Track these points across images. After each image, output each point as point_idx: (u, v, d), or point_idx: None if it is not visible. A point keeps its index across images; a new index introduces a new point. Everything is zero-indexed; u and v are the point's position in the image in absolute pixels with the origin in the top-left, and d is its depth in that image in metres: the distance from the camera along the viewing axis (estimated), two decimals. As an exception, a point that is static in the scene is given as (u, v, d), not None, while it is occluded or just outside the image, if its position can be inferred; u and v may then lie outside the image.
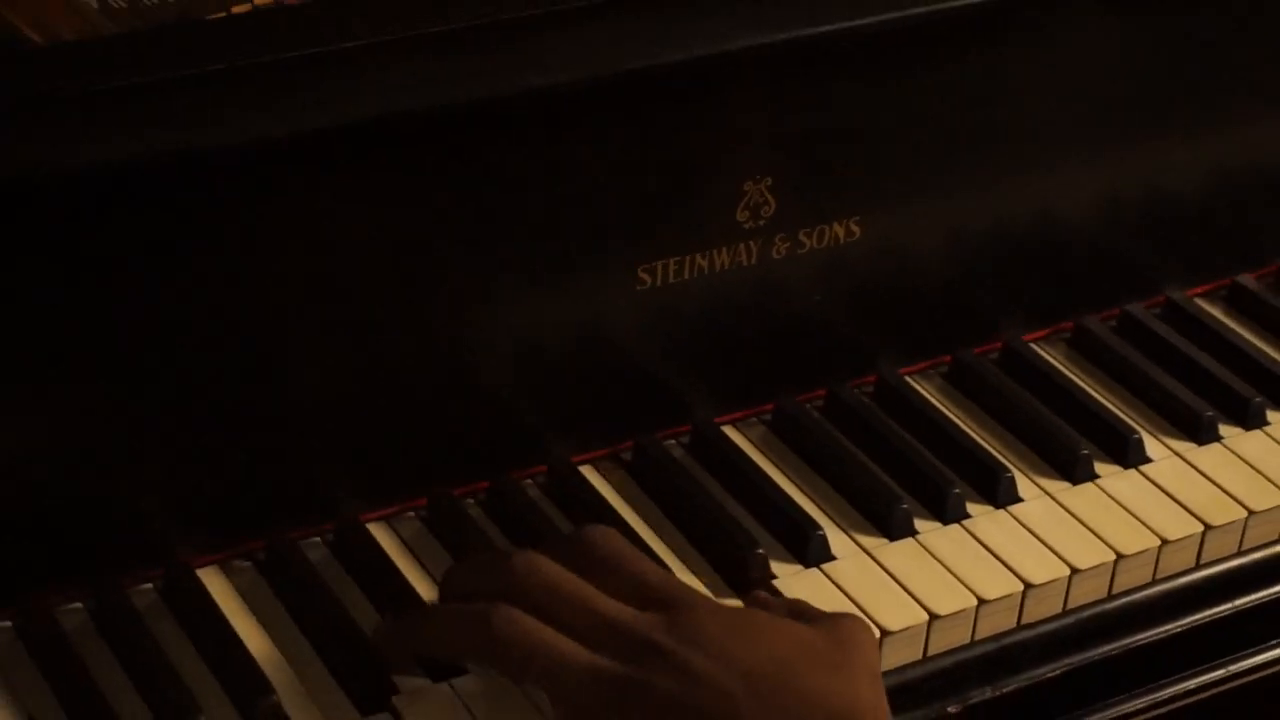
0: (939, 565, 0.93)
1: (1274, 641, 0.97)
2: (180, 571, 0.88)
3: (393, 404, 0.90)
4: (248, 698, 0.82)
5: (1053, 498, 0.98)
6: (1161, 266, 1.11)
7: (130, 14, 0.92)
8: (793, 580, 0.91)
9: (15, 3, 0.91)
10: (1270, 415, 1.04)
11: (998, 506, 0.97)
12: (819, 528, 0.93)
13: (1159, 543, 0.95)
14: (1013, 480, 0.98)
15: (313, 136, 0.83)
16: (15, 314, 0.80)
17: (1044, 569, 0.93)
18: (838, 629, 0.81)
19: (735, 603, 0.88)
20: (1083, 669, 0.93)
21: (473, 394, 0.92)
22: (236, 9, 0.93)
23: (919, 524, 0.95)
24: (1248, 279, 1.14)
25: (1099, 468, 1.00)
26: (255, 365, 0.86)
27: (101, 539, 0.86)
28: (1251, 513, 0.97)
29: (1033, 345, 1.08)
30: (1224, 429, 1.03)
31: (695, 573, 0.91)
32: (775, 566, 0.92)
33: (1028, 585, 0.92)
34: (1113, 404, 1.04)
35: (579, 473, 0.96)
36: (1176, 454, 1.01)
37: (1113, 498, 0.98)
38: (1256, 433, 1.03)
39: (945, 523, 0.95)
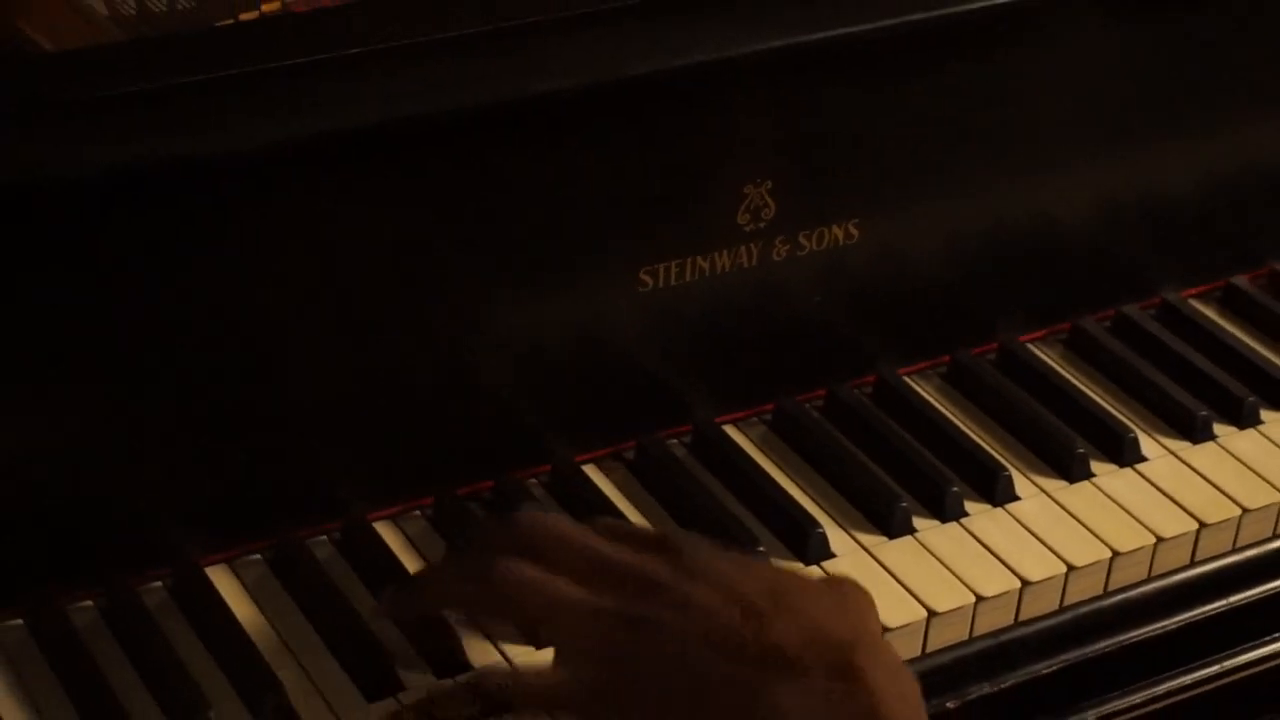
0: (937, 563, 0.93)
1: (1268, 637, 0.98)
2: (190, 570, 0.88)
3: (399, 405, 0.90)
4: (256, 693, 0.83)
5: (1050, 496, 0.98)
6: (1157, 268, 1.11)
7: (139, 21, 0.93)
8: (793, 578, 0.92)
9: (26, 10, 0.91)
10: (1264, 415, 1.04)
11: (995, 505, 0.97)
12: (819, 526, 0.93)
13: (1154, 540, 0.95)
14: (1010, 479, 0.98)
15: (319, 141, 0.83)
16: (28, 316, 0.81)
17: (1041, 566, 0.93)
18: (837, 576, 0.81)
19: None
20: (1079, 665, 0.93)
21: (477, 395, 0.92)
22: (244, 16, 0.93)
23: (918, 522, 0.95)
24: (1242, 280, 1.14)
25: (1095, 466, 1.00)
26: (263, 368, 0.87)
27: (112, 538, 0.87)
28: (1245, 511, 0.97)
29: (1030, 346, 1.08)
30: (1218, 428, 1.03)
31: (697, 570, 0.92)
32: (775, 564, 0.91)
33: (1025, 582, 0.92)
34: (1109, 404, 1.04)
35: (582, 472, 0.96)
36: (1172, 453, 1.01)
37: (1109, 496, 0.98)
38: (1250, 432, 1.03)
39: (944, 521, 0.95)
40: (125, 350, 0.83)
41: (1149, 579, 0.96)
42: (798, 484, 0.97)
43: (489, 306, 0.90)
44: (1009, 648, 0.92)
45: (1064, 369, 1.07)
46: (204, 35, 0.92)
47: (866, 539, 0.94)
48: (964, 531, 0.95)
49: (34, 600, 0.86)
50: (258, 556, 0.90)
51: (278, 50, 0.84)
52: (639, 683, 0.75)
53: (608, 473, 0.97)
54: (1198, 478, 1.00)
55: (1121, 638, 0.94)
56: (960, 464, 0.99)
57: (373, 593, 0.89)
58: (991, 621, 0.92)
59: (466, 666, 0.85)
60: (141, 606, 0.87)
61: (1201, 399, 1.04)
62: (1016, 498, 0.98)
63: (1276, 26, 1.08)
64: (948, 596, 0.91)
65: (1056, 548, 0.94)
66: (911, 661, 0.90)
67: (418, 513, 0.94)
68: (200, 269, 0.84)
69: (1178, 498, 0.98)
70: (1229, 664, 0.96)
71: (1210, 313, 1.12)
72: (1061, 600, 0.93)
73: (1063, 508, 0.97)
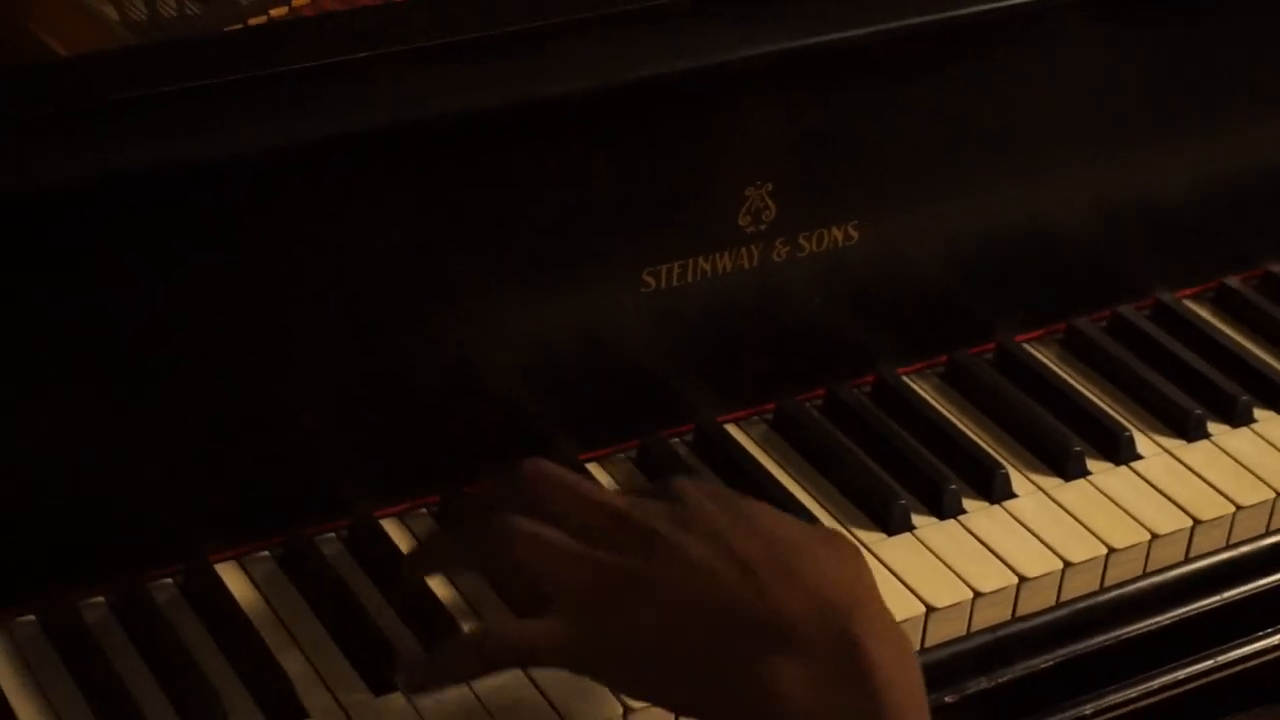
0: (936, 559, 0.93)
1: (1261, 632, 0.98)
2: (200, 567, 0.88)
3: (405, 405, 0.91)
4: (264, 687, 0.83)
5: (1046, 494, 0.98)
6: (1151, 269, 1.11)
7: (150, 26, 0.93)
8: (794, 574, 0.92)
9: (39, 15, 0.92)
10: (1257, 413, 1.04)
11: (993, 502, 0.97)
12: (818, 523, 0.93)
13: (1149, 537, 0.95)
14: (1007, 477, 0.98)
15: (328, 144, 0.83)
16: (47, 317, 0.81)
17: (1038, 563, 0.93)
18: (832, 530, 0.81)
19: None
20: (1076, 660, 0.93)
21: (482, 394, 0.92)
22: (253, 21, 0.94)
23: (916, 519, 0.95)
24: (1235, 281, 1.14)
25: (1091, 464, 1.00)
26: (274, 369, 0.87)
27: (124, 536, 0.87)
28: (1239, 508, 0.98)
29: (1026, 346, 1.08)
30: (1212, 426, 1.03)
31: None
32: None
33: (1022, 579, 0.92)
34: (1104, 402, 1.04)
35: (586, 470, 0.96)
36: (1166, 451, 1.02)
37: (1104, 493, 0.98)
38: (1244, 430, 1.03)
39: (942, 518, 0.96)
40: (140, 351, 0.84)
41: (1144, 575, 0.96)
42: (798, 482, 0.97)
43: (494, 307, 0.91)
44: (1006, 643, 0.92)
45: (1060, 368, 1.07)
46: (214, 40, 0.92)
47: (866, 536, 0.94)
48: (962, 529, 0.95)
49: (46, 597, 0.86)
50: (266, 553, 0.90)
51: (287, 55, 0.84)
52: (634, 637, 0.75)
53: (611, 471, 0.97)
54: (1192, 475, 1.00)
55: (1117, 633, 0.94)
56: (958, 462, 0.99)
57: (380, 589, 0.89)
58: (989, 617, 0.92)
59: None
60: (152, 603, 0.87)
61: (1196, 398, 1.04)
62: (1013, 495, 0.98)
63: (1271, 30, 1.08)
64: (946, 592, 0.91)
65: (1053, 544, 0.94)
66: None
67: (424, 510, 0.94)
68: (210, 271, 0.84)
69: (1172, 495, 0.98)
70: (1223, 658, 0.96)
71: (1204, 313, 1.12)
72: (1058, 596, 0.94)
73: (1059, 505, 0.97)
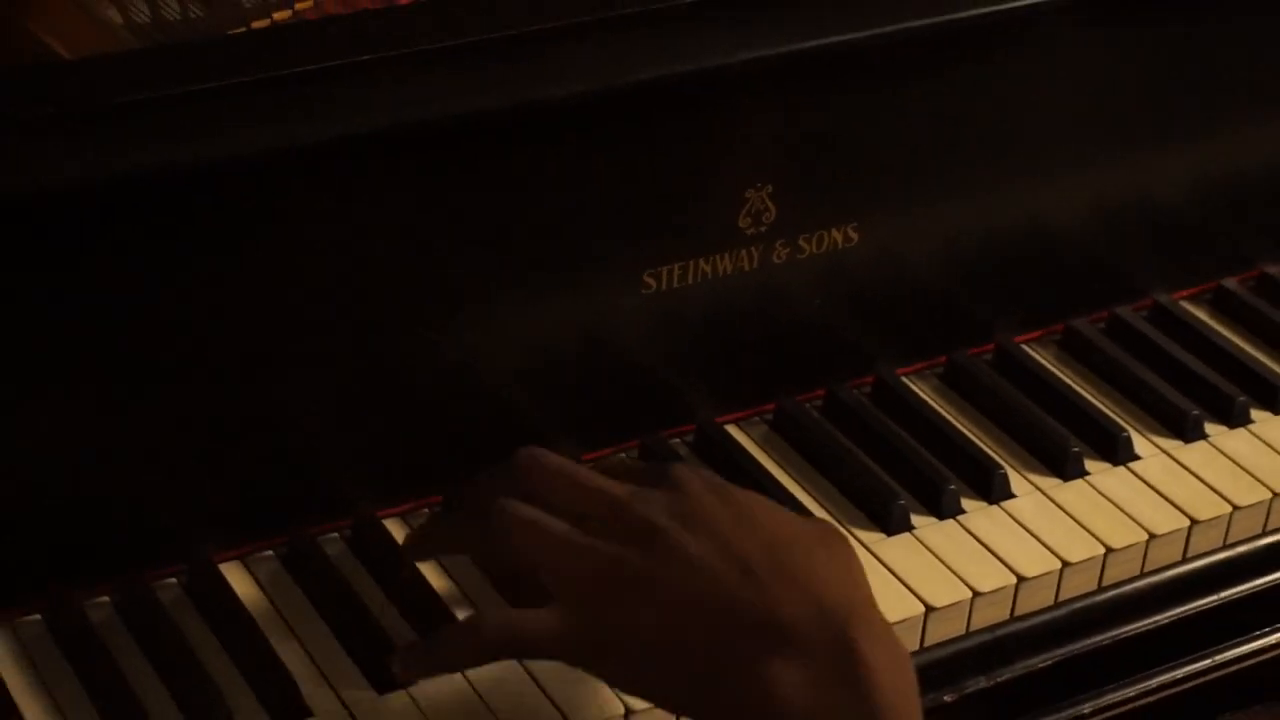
0: (935, 559, 0.93)
1: (1257, 631, 0.98)
2: (204, 566, 0.89)
3: (408, 406, 0.91)
4: (268, 685, 0.83)
5: (1044, 494, 0.98)
6: (1149, 271, 1.12)
7: (153, 29, 0.93)
8: (794, 574, 0.92)
9: (42, 18, 0.92)
10: (1254, 414, 1.04)
11: (991, 502, 0.97)
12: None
13: (1147, 537, 0.96)
14: (1006, 477, 0.98)
15: (330, 147, 0.84)
16: (48, 319, 0.81)
17: (1036, 563, 0.93)
18: (826, 524, 0.80)
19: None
20: (1074, 659, 0.93)
21: (485, 395, 0.93)
22: (256, 24, 0.94)
23: (915, 519, 0.95)
24: (1232, 283, 1.14)
25: (1089, 465, 1.00)
26: (278, 371, 0.87)
27: (128, 536, 0.87)
28: (1236, 508, 0.98)
29: (1025, 347, 1.08)
30: (1209, 427, 1.03)
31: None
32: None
33: (1020, 578, 0.92)
34: (1102, 403, 1.05)
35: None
36: (1164, 451, 1.02)
37: (1102, 494, 0.98)
38: (1241, 431, 1.04)
39: (941, 518, 0.96)
40: (146, 352, 0.84)
41: (1142, 575, 0.96)
42: (798, 482, 0.98)
43: (497, 308, 0.91)
44: (1005, 642, 0.92)
45: (1058, 369, 1.07)
46: (218, 42, 0.92)
47: (865, 536, 0.94)
48: (961, 529, 0.95)
49: (52, 597, 0.86)
50: (270, 553, 0.91)
51: (290, 57, 0.85)
52: (632, 634, 0.75)
53: None
54: (1189, 476, 1.00)
55: (1115, 632, 0.94)
56: (957, 462, 0.99)
57: (382, 588, 0.89)
58: (988, 616, 0.92)
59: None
60: (157, 602, 0.87)
61: (1193, 399, 1.04)
62: (1012, 495, 0.98)
63: (1267, 32, 1.08)
64: (945, 592, 0.91)
65: (1051, 544, 0.95)
66: (910, 655, 0.89)
67: (426, 510, 0.94)
68: (214, 272, 0.84)
69: (1170, 495, 0.98)
70: (1220, 658, 0.97)
71: (1201, 314, 1.13)
72: (1056, 595, 0.94)
73: (1057, 505, 0.97)
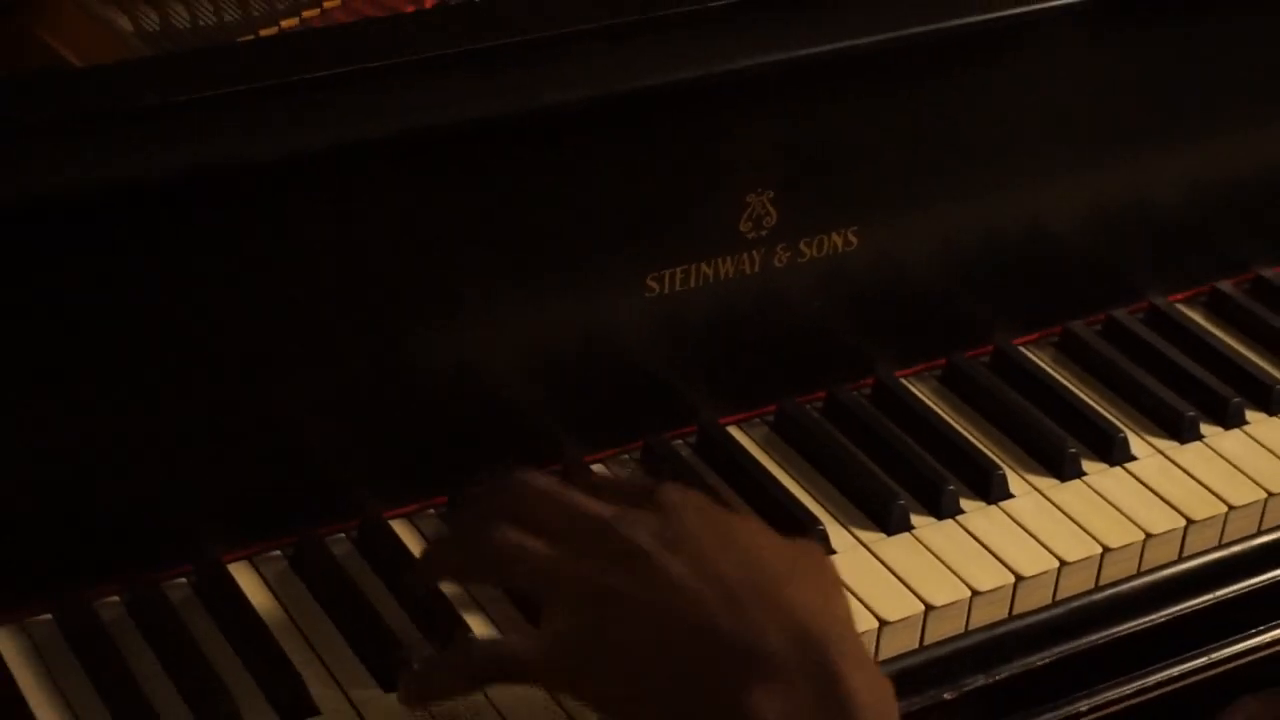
0: (934, 559, 0.93)
1: (1253, 630, 0.98)
2: (212, 566, 0.89)
3: (414, 408, 0.91)
4: (276, 683, 0.83)
5: (1042, 494, 0.98)
6: (1145, 274, 1.12)
7: (163, 37, 0.94)
8: (795, 573, 0.93)
9: (54, 26, 0.92)
10: (1249, 415, 1.05)
11: (990, 503, 0.97)
12: (819, 523, 0.94)
13: (1143, 537, 0.96)
14: (1004, 477, 0.98)
15: (338, 152, 0.84)
16: (62, 320, 0.82)
17: (1034, 562, 0.93)
18: (807, 544, 0.79)
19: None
20: (1072, 657, 0.93)
21: (490, 397, 0.93)
22: (264, 31, 0.95)
23: (915, 519, 0.96)
24: (1227, 285, 1.14)
25: (1086, 465, 1.00)
26: (286, 372, 0.87)
27: (138, 536, 0.87)
28: (1231, 508, 0.98)
29: (1023, 349, 1.08)
30: (1205, 428, 1.03)
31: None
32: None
33: (1019, 577, 0.93)
34: (1099, 404, 1.05)
35: (591, 471, 0.96)
36: (1160, 452, 1.02)
37: (1099, 494, 0.99)
38: (1235, 432, 1.04)
39: (940, 518, 0.96)
40: (157, 354, 0.84)
41: (1138, 574, 0.96)
42: (799, 483, 0.98)
43: (502, 311, 0.91)
44: (1003, 640, 0.93)
45: (1056, 371, 1.08)
46: (227, 49, 0.93)
47: (866, 536, 0.95)
48: (960, 528, 0.96)
49: (63, 596, 0.86)
50: (278, 553, 0.91)
51: (298, 64, 0.85)
52: (612, 659, 0.74)
53: (616, 472, 0.97)
54: (1185, 476, 1.00)
55: (1112, 631, 0.94)
56: (956, 463, 0.99)
57: (388, 587, 0.89)
58: (986, 615, 0.92)
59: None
60: (166, 602, 0.87)
61: (1188, 400, 1.05)
62: (1010, 496, 0.98)
63: (1262, 36, 1.08)
64: (944, 591, 0.91)
65: (1049, 544, 0.95)
66: (909, 654, 0.91)
67: (432, 511, 0.94)
68: (224, 275, 0.85)
69: (1166, 495, 0.99)
70: (1215, 656, 0.97)
71: (1197, 316, 1.13)
72: (1054, 595, 0.94)
73: (1055, 505, 0.98)
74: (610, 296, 0.94)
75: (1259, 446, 1.03)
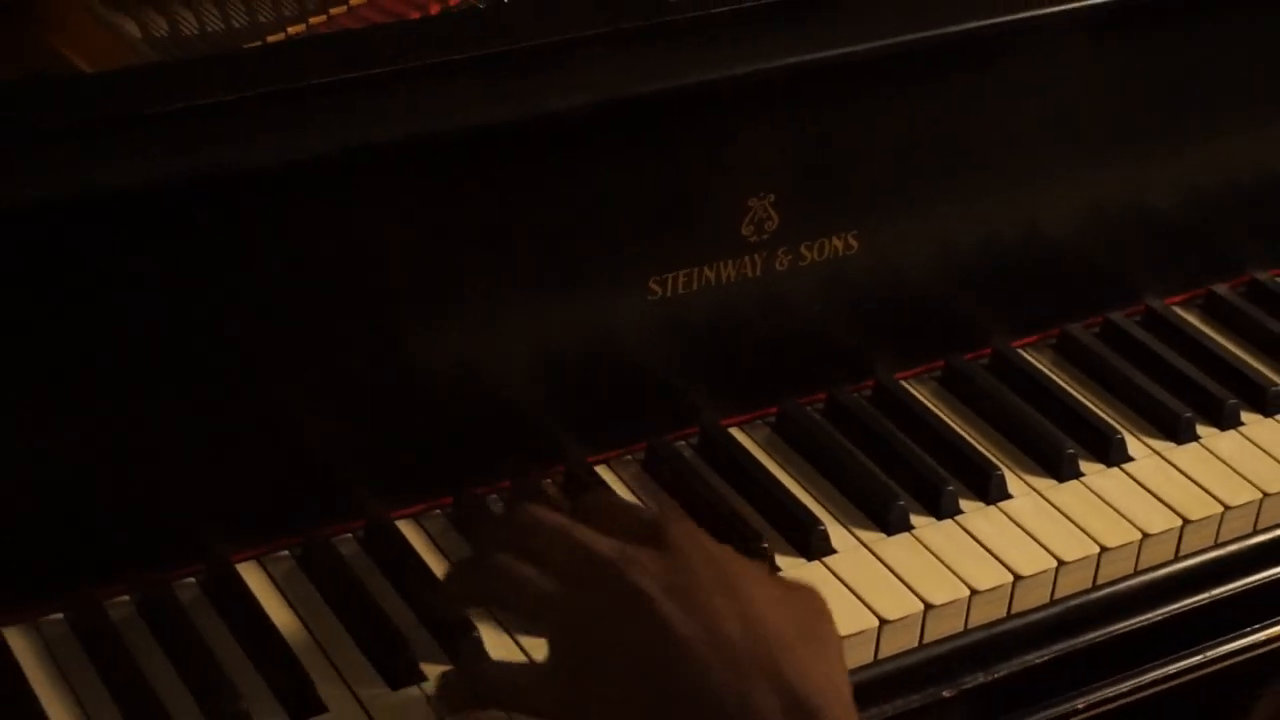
0: (934, 558, 0.94)
1: (1248, 628, 0.99)
2: (221, 566, 0.89)
3: (420, 410, 0.92)
4: (284, 682, 0.84)
5: (1040, 494, 0.99)
6: (1142, 277, 1.12)
7: (170, 44, 0.94)
8: (795, 572, 0.91)
9: (63, 32, 0.92)
10: (1244, 416, 1.05)
11: (989, 503, 0.98)
12: (820, 523, 0.94)
13: (1140, 536, 0.96)
14: (1003, 478, 0.99)
15: (343, 156, 0.84)
16: (66, 322, 0.82)
17: (1032, 561, 0.94)
18: (809, 595, 0.78)
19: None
20: (1069, 655, 0.94)
21: (495, 400, 0.93)
22: (271, 38, 0.95)
23: (915, 519, 0.96)
24: (1223, 288, 1.15)
25: (1083, 466, 1.00)
26: (294, 374, 0.88)
27: (148, 537, 0.88)
28: (1227, 508, 0.99)
29: (1021, 351, 1.09)
30: (1201, 429, 1.04)
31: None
32: (779, 559, 0.93)
33: (1017, 577, 0.93)
34: (1096, 406, 1.05)
35: (595, 472, 0.97)
36: (1156, 453, 1.03)
37: (1097, 494, 0.99)
38: (1231, 433, 1.04)
39: (939, 518, 0.96)
40: (167, 356, 0.85)
41: (1135, 573, 0.97)
42: (800, 483, 0.98)
43: (506, 314, 0.91)
44: (1002, 639, 0.93)
45: (1054, 373, 1.08)
46: (234, 55, 0.93)
47: (866, 536, 0.95)
48: (959, 528, 0.96)
49: (74, 596, 0.87)
50: (286, 553, 0.91)
51: (304, 70, 0.86)
52: (611, 696, 0.74)
53: (619, 472, 0.98)
54: (1181, 477, 1.01)
55: (1109, 629, 0.95)
56: (955, 464, 0.99)
57: (395, 587, 0.90)
58: (985, 614, 0.93)
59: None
60: (176, 601, 0.88)
61: (1185, 401, 1.05)
62: (1009, 496, 0.98)
63: (1258, 40, 1.09)
64: (943, 590, 0.92)
65: (1047, 544, 0.95)
66: (909, 652, 0.91)
67: (438, 512, 0.95)
68: (232, 278, 0.85)
69: (1163, 496, 0.99)
70: (1211, 654, 0.97)
71: (1193, 319, 1.13)
72: (1052, 594, 0.94)
73: (1053, 505, 0.98)
74: (614, 299, 0.95)
75: (1254, 448, 1.04)
